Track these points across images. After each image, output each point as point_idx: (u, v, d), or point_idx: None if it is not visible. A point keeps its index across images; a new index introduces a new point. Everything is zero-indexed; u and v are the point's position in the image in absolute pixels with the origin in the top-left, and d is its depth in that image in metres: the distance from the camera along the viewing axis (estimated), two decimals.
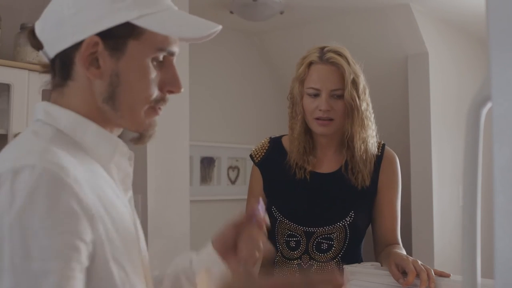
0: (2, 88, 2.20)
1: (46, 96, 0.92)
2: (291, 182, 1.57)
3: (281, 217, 1.55)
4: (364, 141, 1.53)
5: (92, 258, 0.75)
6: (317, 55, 1.51)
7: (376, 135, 1.58)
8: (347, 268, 1.43)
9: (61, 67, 0.87)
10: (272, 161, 1.61)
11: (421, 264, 1.28)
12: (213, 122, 3.65)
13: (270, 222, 1.62)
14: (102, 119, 0.88)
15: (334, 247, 1.53)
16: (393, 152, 1.62)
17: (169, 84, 0.90)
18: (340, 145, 1.57)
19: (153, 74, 0.88)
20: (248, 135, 3.80)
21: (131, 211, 0.92)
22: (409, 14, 3.22)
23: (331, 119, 1.50)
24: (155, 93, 0.89)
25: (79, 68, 0.85)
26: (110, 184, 0.87)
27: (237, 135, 3.79)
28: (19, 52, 2.25)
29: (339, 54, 1.51)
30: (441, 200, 3.42)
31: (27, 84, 2.17)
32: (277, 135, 1.68)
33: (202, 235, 3.55)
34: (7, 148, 0.82)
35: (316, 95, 1.50)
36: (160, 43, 0.87)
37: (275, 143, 1.65)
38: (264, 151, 1.64)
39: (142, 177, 2.37)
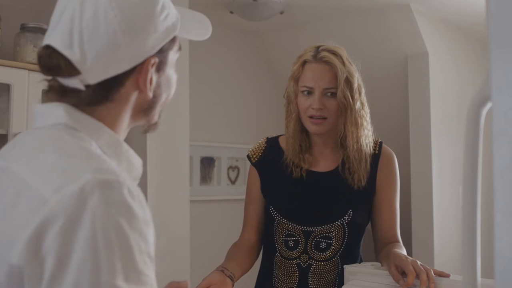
0: (2, 88, 2.20)
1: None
2: (288, 181, 1.57)
3: (279, 217, 1.55)
4: (358, 140, 1.52)
5: None
6: (311, 53, 1.53)
7: (372, 135, 1.58)
8: (347, 268, 1.43)
9: (104, 91, 0.82)
10: (269, 161, 1.62)
11: (421, 265, 1.28)
12: (213, 122, 3.65)
13: (268, 222, 1.63)
14: (123, 131, 0.89)
15: (333, 245, 1.52)
16: (391, 150, 1.62)
17: None
18: (336, 145, 1.57)
19: (175, 73, 0.94)
20: (248, 135, 3.80)
21: None
22: (409, 14, 3.22)
23: (324, 118, 1.50)
24: None
25: (127, 89, 0.84)
26: None
27: (237, 135, 3.79)
28: (19, 52, 2.25)
29: (334, 53, 1.51)
30: (441, 200, 3.42)
31: (27, 84, 2.17)
32: (274, 135, 1.69)
33: (202, 235, 3.55)
34: (58, 156, 0.76)
35: (310, 94, 1.51)
36: (179, 44, 0.92)
37: (272, 143, 1.65)
38: (261, 151, 1.64)
39: (142, 177, 2.36)
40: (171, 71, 0.91)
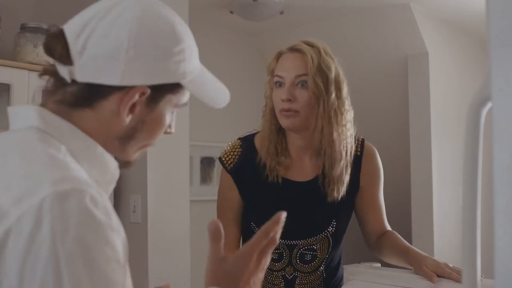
0: (2, 88, 2.20)
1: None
2: (266, 191, 1.47)
3: None
4: (331, 138, 1.39)
5: None
6: (288, 46, 1.47)
7: (356, 136, 1.48)
8: (347, 268, 1.43)
9: (87, 95, 0.81)
10: (245, 168, 1.50)
11: (453, 267, 1.29)
12: (213, 122, 3.65)
13: (249, 236, 1.54)
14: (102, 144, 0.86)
15: (318, 257, 1.48)
16: (372, 145, 1.54)
17: (168, 127, 0.92)
18: (316, 151, 1.45)
19: (167, 122, 0.90)
20: None
21: None
22: (409, 14, 3.22)
23: (296, 111, 1.39)
24: None
25: (109, 105, 0.82)
26: None
27: (237, 135, 3.77)
28: (19, 52, 2.25)
29: (310, 44, 1.45)
30: (441, 200, 3.42)
31: (27, 84, 2.17)
32: (249, 133, 1.59)
33: (202, 235, 3.54)
34: (24, 162, 0.75)
35: (281, 85, 1.42)
36: (186, 99, 0.90)
37: (247, 144, 1.54)
38: (237, 156, 1.53)
39: (142, 177, 2.36)
40: (163, 115, 0.87)
